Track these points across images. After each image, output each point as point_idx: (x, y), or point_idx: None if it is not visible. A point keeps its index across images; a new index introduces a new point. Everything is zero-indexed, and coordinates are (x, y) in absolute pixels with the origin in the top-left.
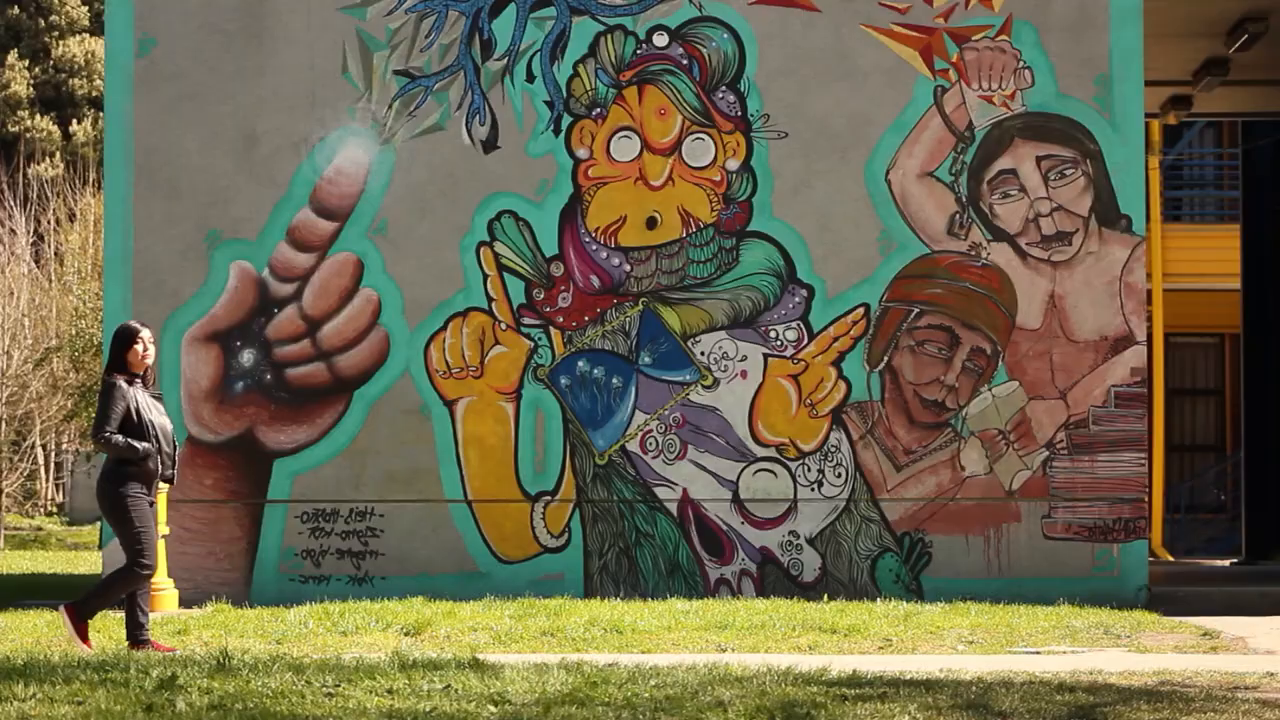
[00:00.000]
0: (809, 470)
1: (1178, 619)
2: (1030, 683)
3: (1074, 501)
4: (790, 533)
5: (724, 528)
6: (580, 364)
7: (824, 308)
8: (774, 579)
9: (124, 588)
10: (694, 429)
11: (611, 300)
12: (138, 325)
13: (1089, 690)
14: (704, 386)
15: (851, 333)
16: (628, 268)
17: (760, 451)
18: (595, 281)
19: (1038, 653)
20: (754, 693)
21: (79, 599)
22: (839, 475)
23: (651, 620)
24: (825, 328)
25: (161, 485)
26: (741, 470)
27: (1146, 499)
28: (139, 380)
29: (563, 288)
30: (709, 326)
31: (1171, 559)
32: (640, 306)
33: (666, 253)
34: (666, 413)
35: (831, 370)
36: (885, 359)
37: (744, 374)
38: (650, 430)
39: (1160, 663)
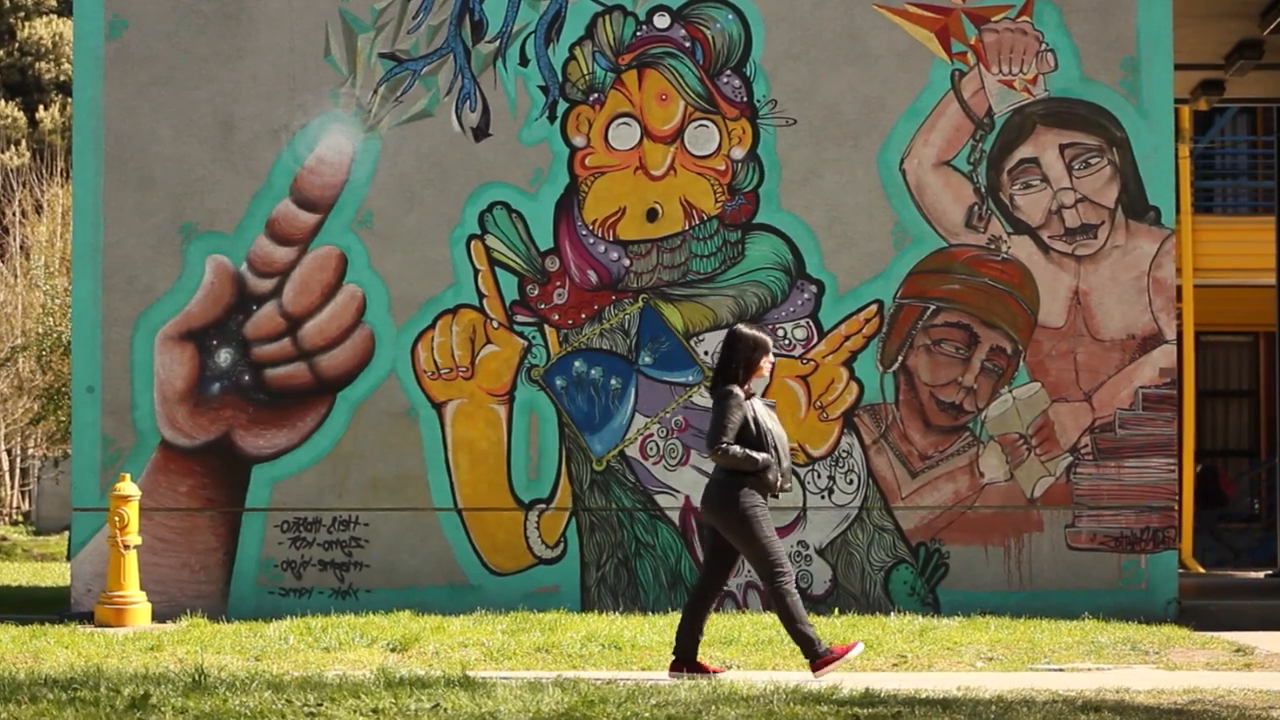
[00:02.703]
0: (819, 477)
1: (1209, 634)
2: (1053, 702)
3: (1099, 510)
4: (799, 543)
5: None
6: (577, 364)
7: (834, 305)
8: None
9: (792, 607)
10: (697, 433)
11: (610, 297)
12: (761, 335)
13: (1115, 710)
14: (707, 388)
15: (864, 331)
16: (627, 262)
17: None
18: (593, 277)
19: (1061, 670)
20: (760, 712)
21: (812, 659)
22: (850, 482)
23: (652, 635)
24: (836, 326)
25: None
26: None
27: (1176, 507)
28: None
29: (558, 283)
30: (713, 324)
31: (1202, 570)
32: (640, 303)
33: (668, 246)
34: (668, 416)
35: (843, 371)
36: (899, 359)
37: None
38: (651, 434)
39: (1191, 680)
